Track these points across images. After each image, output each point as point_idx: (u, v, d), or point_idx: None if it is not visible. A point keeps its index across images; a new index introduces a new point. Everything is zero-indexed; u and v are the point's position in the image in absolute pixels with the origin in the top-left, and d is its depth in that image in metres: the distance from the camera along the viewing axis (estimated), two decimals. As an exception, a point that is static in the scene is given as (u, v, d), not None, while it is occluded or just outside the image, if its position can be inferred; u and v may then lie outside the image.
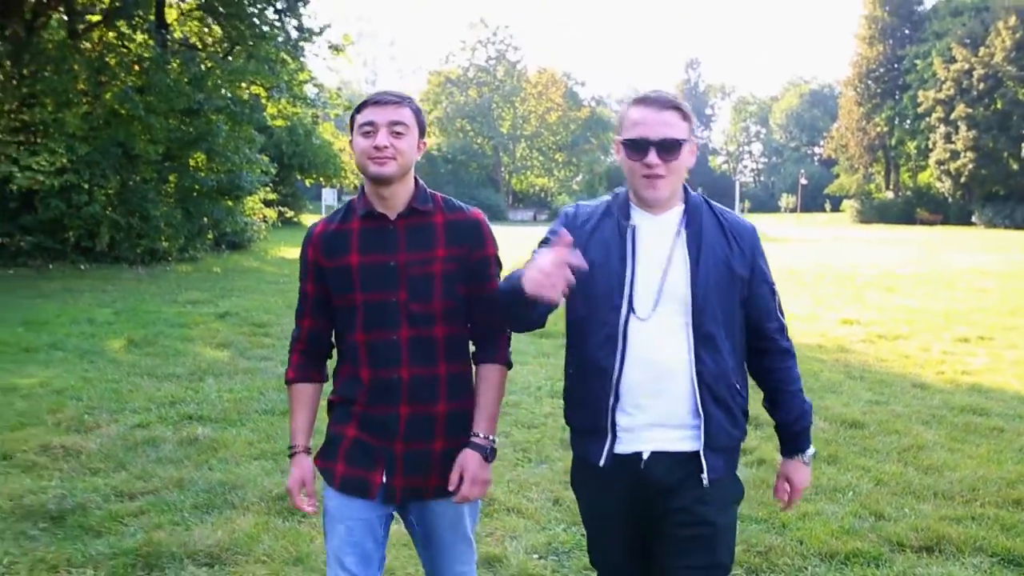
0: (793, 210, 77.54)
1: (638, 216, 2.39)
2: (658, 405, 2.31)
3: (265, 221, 24.85)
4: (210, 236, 19.72)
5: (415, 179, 2.49)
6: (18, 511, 4.41)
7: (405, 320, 2.42)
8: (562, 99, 73.96)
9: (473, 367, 2.59)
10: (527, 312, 2.23)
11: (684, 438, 2.32)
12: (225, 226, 19.72)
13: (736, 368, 2.39)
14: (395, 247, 2.44)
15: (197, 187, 18.85)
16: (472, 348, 2.60)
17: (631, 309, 2.31)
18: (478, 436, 2.50)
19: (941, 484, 5.16)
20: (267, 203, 25.65)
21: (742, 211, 75.27)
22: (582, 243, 2.32)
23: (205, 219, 19.57)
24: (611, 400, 2.32)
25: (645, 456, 2.32)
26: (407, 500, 2.51)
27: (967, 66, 56.21)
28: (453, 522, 2.56)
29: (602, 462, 2.34)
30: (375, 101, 2.39)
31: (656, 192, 2.32)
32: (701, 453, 2.31)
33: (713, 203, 2.46)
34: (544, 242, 2.36)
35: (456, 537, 2.57)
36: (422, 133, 2.46)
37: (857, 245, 31.70)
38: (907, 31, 67.90)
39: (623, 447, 2.34)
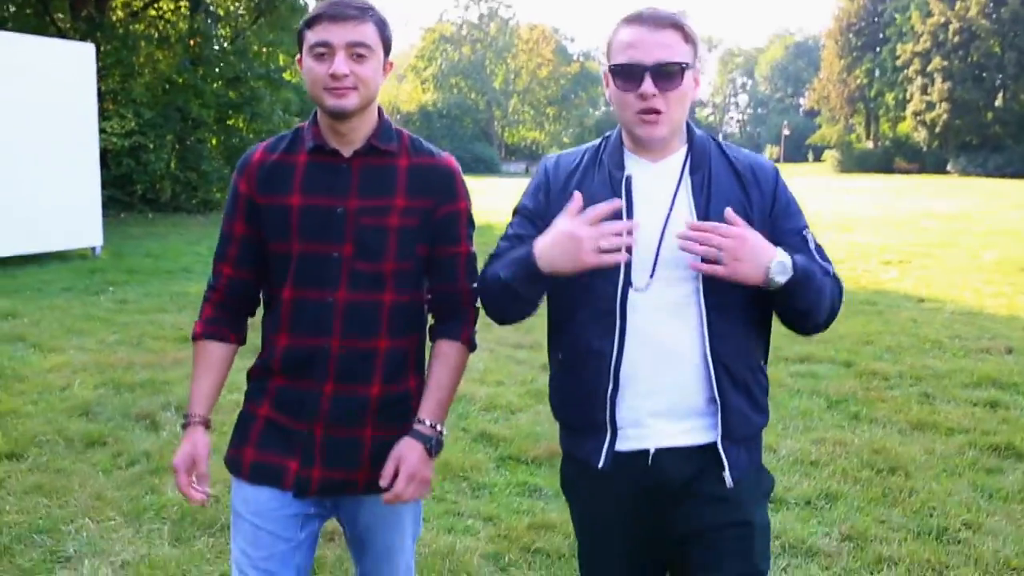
0: (777, 160, 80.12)
1: (633, 164, 1.99)
2: (665, 392, 1.95)
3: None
4: (253, 188, 22.44)
5: (379, 111, 2.08)
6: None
7: (346, 280, 2.01)
8: (552, 54, 76.33)
9: (423, 343, 2.16)
10: (530, 298, 1.95)
11: (696, 429, 1.96)
12: (265, 179, 22.42)
13: (758, 342, 2.04)
14: (345, 190, 2.02)
15: (243, 146, 21.53)
16: (430, 321, 2.19)
17: (628, 278, 1.93)
18: (423, 423, 2.05)
19: (824, 336, 8.00)
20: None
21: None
22: (566, 201, 1.92)
23: (248, 173, 22.33)
24: (609, 389, 1.95)
25: (651, 452, 1.97)
26: (330, 495, 2.10)
27: (943, 19, 58.34)
28: (392, 522, 2.15)
29: (601, 463, 1.97)
30: (331, 16, 1.93)
31: (654, 130, 1.93)
32: (720, 447, 1.95)
33: (723, 142, 2.07)
34: (517, 212, 2.07)
35: (397, 539, 2.17)
36: (387, 52, 2.02)
37: (832, 194, 34.32)
38: (887, -16, 70.19)
39: (625, 444, 1.97)
